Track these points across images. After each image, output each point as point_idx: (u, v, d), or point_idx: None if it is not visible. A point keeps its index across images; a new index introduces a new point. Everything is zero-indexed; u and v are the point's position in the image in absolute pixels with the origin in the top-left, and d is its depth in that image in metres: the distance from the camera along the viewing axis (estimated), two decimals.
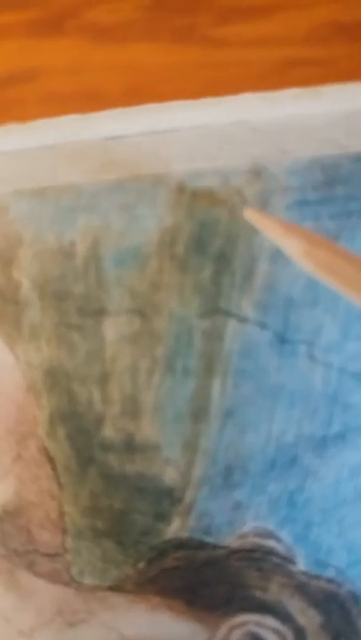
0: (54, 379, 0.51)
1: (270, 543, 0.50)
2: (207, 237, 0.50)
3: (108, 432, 0.50)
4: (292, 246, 0.38)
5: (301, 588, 0.50)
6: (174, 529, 0.50)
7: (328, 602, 0.50)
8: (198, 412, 0.50)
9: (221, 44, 0.54)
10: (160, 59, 0.54)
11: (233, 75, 0.53)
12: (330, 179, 0.49)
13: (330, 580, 0.50)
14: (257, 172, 0.49)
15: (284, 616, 0.50)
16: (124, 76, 0.54)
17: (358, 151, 0.49)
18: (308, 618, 0.50)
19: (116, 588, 0.51)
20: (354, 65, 0.52)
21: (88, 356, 0.50)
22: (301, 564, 0.50)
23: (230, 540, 0.50)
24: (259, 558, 0.50)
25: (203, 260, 0.50)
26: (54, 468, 0.51)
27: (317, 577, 0.50)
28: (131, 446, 0.50)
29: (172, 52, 0.54)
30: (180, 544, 0.50)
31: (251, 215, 0.39)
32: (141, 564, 0.51)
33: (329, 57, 0.53)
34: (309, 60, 0.53)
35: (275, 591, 0.50)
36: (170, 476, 0.50)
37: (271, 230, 0.39)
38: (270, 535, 0.50)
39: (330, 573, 0.50)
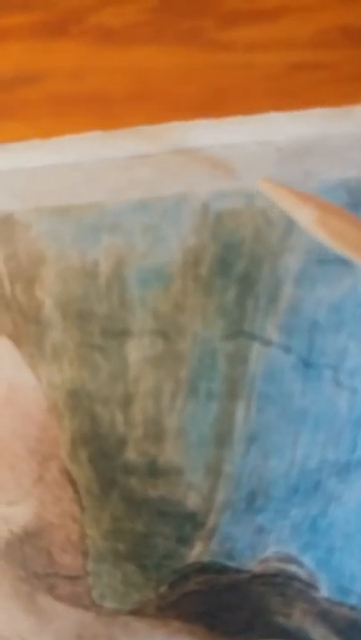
0: (76, 400, 0.51)
1: (293, 568, 0.51)
2: (231, 259, 0.50)
3: (131, 455, 0.51)
4: (306, 214, 0.38)
5: (324, 615, 0.50)
6: (196, 553, 0.51)
7: (351, 629, 0.50)
8: (222, 437, 0.50)
9: (227, 47, 0.54)
10: (165, 61, 0.54)
11: (238, 78, 0.53)
12: (355, 200, 0.49)
13: (353, 608, 0.50)
14: None
15: None
16: (129, 79, 0.54)
17: None
18: None
19: (136, 612, 0.51)
20: (359, 68, 0.52)
21: (111, 378, 0.51)
22: (324, 590, 0.50)
23: (252, 565, 0.51)
24: (281, 583, 0.51)
25: (227, 282, 0.50)
26: (76, 491, 0.51)
27: (340, 604, 0.50)
28: (153, 470, 0.51)
29: (178, 55, 0.54)
30: (202, 568, 0.51)
31: (265, 185, 0.40)
32: (163, 588, 0.51)
33: (334, 60, 0.53)
34: (315, 64, 0.53)
35: (297, 617, 0.51)
36: (192, 501, 0.51)
37: (285, 199, 0.40)
38: (293, 560, 0.51)
39: (352, 600, 0.50)
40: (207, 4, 0.54)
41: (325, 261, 0.50)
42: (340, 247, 0.38)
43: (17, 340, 0.52)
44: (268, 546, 0.51)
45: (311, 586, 0.51)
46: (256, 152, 0.50)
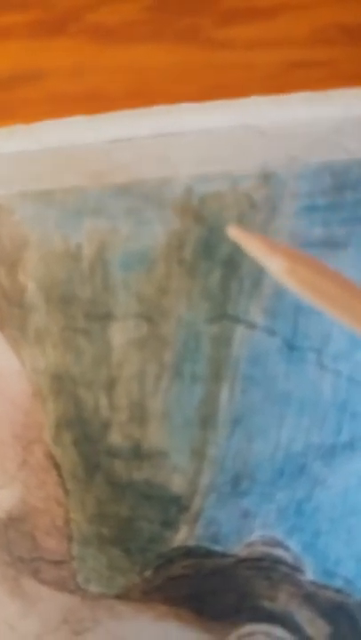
0: (60, 384, 0.51)
1: (278, 552, 0.51)
2: (215, 242, 0.50)
3: (115, 438, 0.51)
4: (275, 264, 0.38)
5: (310, 598, 0.51)
6: (182, 537, 0.51)
7: (337, 612, 0.51)
8: (206, 419, 0.51)
9: (225, 45, 0.55)
10: (163, 60, 0.55)
11: (236, 76, 0.54)
12: (339, 184, 0.50)
13: (338, 590, 0.51)
14: (266, 177, 0.50)
15: (292, 626, 0.51)
16: (127, 78, 0.55)
17: None
18: (317, 628, 0.51)
19: (122, 597, 0.52)
20: (357, 66, 0.52)
21: (94, 361, 0.51)
22: (310, 574, 0.51)
23: (238, 549, 0.51)
24: (267, 567, 0.51)
25: (211, 265, 0.50)
26: (60, 475, 0.52)
27: (326, 587, 0.51)
28: (138, 453, 0.51)
29: (176, 54, 0.55)
30: (187, 552, 0.51)
31: (234, 233, 0.40)
32: (148, 573, 0.51)
33: (332, 58, 0.54)
34: (313, 62, 0.54)
35: (283, 601, 0.51)
36: (177, 484, 0.51)
37: (254, 248, 0.40)
38: (278, 544, 0.51)
39: (338, 583, 0.51)
40: (205, 3, 0.55)
41: (309, 245, 0.50)
42: (311, 297, 0.38)
43: (0, 323, 0.52)
44: (253, 530, 0.51)
45: (297, 569, 0.51)
46: (240, 136, 0.51)
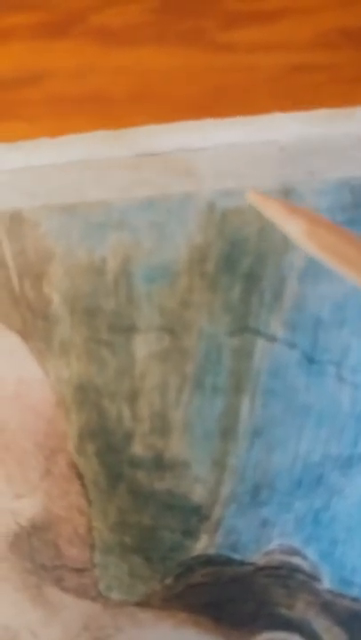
0: (84, 394, 0.52)
1: (296, 560, 0.52)
2: (237, 256, 0.51)
3: (138, 449, 0.52)
4: (295, 227, 0.39)
5: (327, 607, 0.52)
6: (202, 545, 0.52)
7: (353, 620, 0.52)
8: (227, 431, 0.52)
9: (228, 48, 0.55)
10: (167, 62, 0.55)
11: (239, 79, 0.54)
12: (358, 200, 0.51)
13: (355, 599, 0.52)
14: (285, 193, 0.51)
15: (309, 634, 0.52)
16: (131, 80, 0.55)
17: None
18: (334, 636, 0.52)
19: (142, 604, 0.53)
20: (360, 70, 0.53)
21: (118, 373, 0.52)
22: (327, 582, 0.52)
23: (257, 557, 0.52)
24: (285, 575, 0.52)
25: (232, 279, 0.51)
26: (83, 484, 0.53)
27: (342, 595, 0.52)
28: (160, 463, 0.52)
29: (179, 56, 0.55)
30: (207, 560, 0.52)
31: (253, 198, 0.41)
32: (168, 580, 0.52)
33: (335, 62, 0.54)
34: (315, 65, 0.54)
35: (301, 609, 0.52)
36: (198, 494, 0.52)
37: (274, 211, 0.40)
38: (296, 552, 0.52)
39: (355, 592, 0.52)
40: (208, 5, 0.55)
41: None
42: (330, 260, 0.39)
43: (25, 335, 0.53)
44: (272, 538, 0.52)
45: (314, 578, 0.52)
46: (260, 152, 0.52)
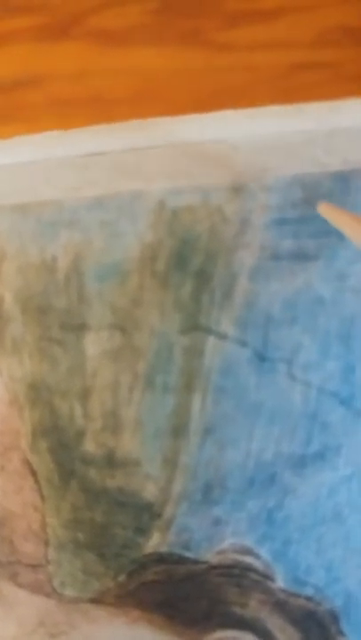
0: (36, 393, 0.54)
1: (249, 560, 0.53)
2: (187, 254, 0.52)
3: (90, 446, 0.53)
4: None
5: (280, 606, 0.52)
6: (154, 543, 0.53)
7: (307, 620, 0.52)
8: (178, 429, 0.53)
9: (228, 48, 0.55)
10: (166, 63, 0.56)
11: (240, 78, 0.54)
12: (310, 197, 0.51)
13: (308, 598, 0.52)
14: (236, 190, 0.52)
15: (263, 633, 0.53)
16: (131, 81, 0.56)
17: (338, 169, 0.51)
18: (287, 635, 0.52)
19: (96, 601, 0.54)
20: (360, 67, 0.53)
21: (69, 371, 0.53)
22: (280, 582, 0.52)
23: (210, 556, 0.53)
24: (238, 574, 0.53)
25: (183, 277, 0.52)
26: (37, 481, 0.54)
27: (296, 595, 0.52)
28: (111, 461, 0.53)
29: (179, 57, 0.56)
30: (159, 558, 0.53)
31: (325, 211, 0.41)
32: (122, 577, 0.53)
33: (337, 60, 0.54)
34: (317, 64, 0.54)
35: (254, 608, 0.53)
36: (150, 491, 0.53)
37: (346, 225, 0.41)
38: (249, 552, 0.53)
39: (308, 591, 0.52)
40: (207, 6, 0.56)
41: (279, 257, 0.52)
42: None
43: None
44: (225, 537, 0.53)
45: (267, 577, 0.53)
46: (211, 149, 0.52)
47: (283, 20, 0.55)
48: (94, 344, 0.54)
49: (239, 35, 0.55)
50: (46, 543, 0.55)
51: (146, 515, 0.54)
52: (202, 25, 0.56)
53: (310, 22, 0.55)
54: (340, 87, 0.53)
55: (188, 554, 0.54)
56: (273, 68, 0.54)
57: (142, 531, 0.54)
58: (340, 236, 0.48)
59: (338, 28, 0.54)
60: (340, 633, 0.52)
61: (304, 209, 0.52)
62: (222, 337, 0.53)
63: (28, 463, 0.55)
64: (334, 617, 0.52)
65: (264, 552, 0.53)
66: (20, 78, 0.57)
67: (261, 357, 0.52)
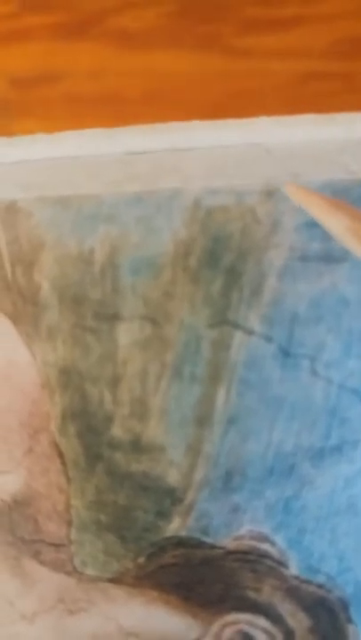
0: (68, 378, 0.56)
1: (265, 546, 0.55)
2: (219, 252, 0.55)
3: (117, 431, 0.56)
4: (337, 222, 0.40)
5: (293, 592, 0.55)
6: (174, 527, 0.56)
7: (318, 606, 0.55)
8: (202, 418, 0.55)
9: (244, 53, 0.58)
10: (182, 66, 0.58)
11: (253, 84, 0.56)
12: None
13: (320, 586, 0.55)
14: (270, 193, 0.55)
15: (274, 617, 0.55)
16: (146, 82, 0.58)
17: None
18: (298, 621, 0.55)
19: (115, 581, 0.56)
20: None
21: (101, 359, 0.56)
22: (294, 569, 0.55)
23: (227, 542, 0.56)
24: (253, 560, 0.55)
25: (214, 274, 0.55)
26: (63, 463, 0.57)
27: (308, 582, 0.55)
28: (137, 446, 0.56)
29: (195, 60, 0.58)
30: (178, 542, 0.56)
31: (292, 191, 0.42)
32: (141, 559, 0.56)
33: (349, 70, 0.57)
34: (330, 73, 0.57)
35: (267, 593, 0.55)
36: (173, 477, 0.56)
37: (315, 206, 0.42)
38: (265, 539, 0.55)
39: (320, 579, 0.55)
40: (226, 11, 0.58)
41: (307, 259, 0.55)
42: None
43: (15, 319, 0.57)
44: (242, 524, 0.56)
45: (282, 564, 0.55)
46: (247, 153, 0.55)
47: (299, 28, 0.57)
48: (126, 334, 0.56)
49: (255, 41, 0.57)
50: (69, 524, 0.57)
51: (168, 499, 0.56)
52: (219, 29, 0.57)
53: (326, 32, 0.57)
54: (353, 98, 0.56)
55: (206, 539, 0.56)
56: (287, 76, 0.56)
57: (163, 515, 0.57)
58: None
59: (352, 38, 0.56)
60: (349, 620, 0.55)
61: None
62: (249, 332, 0.56)
63: (55, 446, 0.57)
64: (344, 604, 0.55)
65: (280, 540, 0.56)
66: (38, 75, 0.59)
67: (286, 353, 0.55)
